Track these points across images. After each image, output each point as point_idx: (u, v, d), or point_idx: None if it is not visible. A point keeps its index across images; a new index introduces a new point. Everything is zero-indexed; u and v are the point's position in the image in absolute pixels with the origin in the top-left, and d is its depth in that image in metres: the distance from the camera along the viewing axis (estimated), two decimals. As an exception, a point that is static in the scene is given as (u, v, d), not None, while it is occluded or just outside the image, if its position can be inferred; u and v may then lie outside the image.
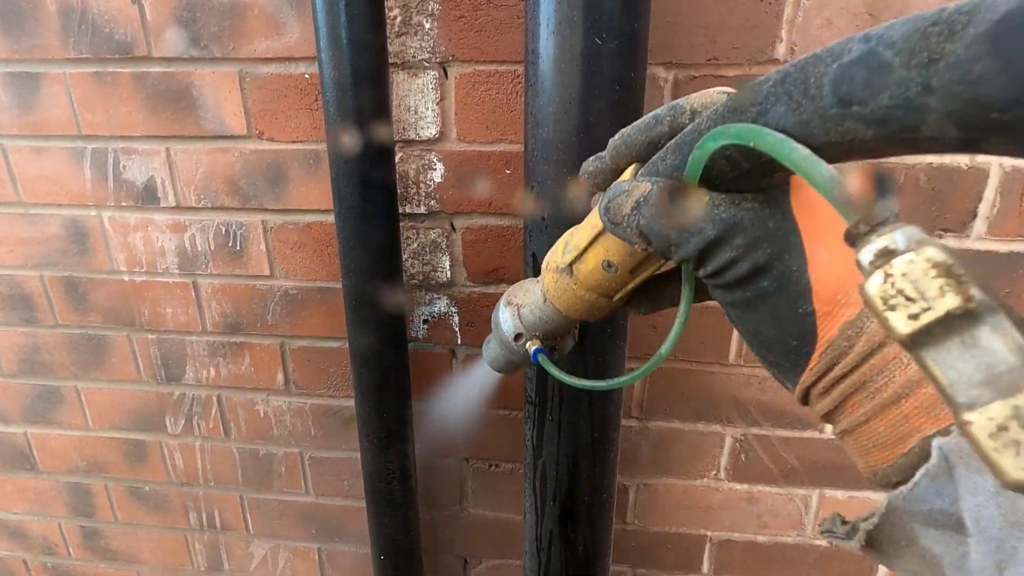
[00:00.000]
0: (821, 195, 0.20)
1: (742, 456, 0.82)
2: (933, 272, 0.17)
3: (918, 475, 0.22)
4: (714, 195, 0.25)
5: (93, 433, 0.96)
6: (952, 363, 0.17)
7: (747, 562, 0.88)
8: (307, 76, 0.70)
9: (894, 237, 0.18)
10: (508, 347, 0.39)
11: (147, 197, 0.78)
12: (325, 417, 0.88)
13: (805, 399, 0.27)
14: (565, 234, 0.36)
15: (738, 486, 0.84)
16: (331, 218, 0.75)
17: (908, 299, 0.17)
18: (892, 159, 0.65)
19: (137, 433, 0.94)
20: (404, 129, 0.70)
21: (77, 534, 1.06)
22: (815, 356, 0.25)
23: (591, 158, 0.33)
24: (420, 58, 0.67)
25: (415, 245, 0.76)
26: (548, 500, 0.69)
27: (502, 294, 0.41)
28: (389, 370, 0.74)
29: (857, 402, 0.24)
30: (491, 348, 0.42)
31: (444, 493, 0.91)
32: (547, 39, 0.51)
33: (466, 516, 0.92)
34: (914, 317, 0.17)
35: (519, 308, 0.39)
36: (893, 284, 0.18)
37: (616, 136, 0.31)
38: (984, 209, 0.66)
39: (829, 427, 0.77)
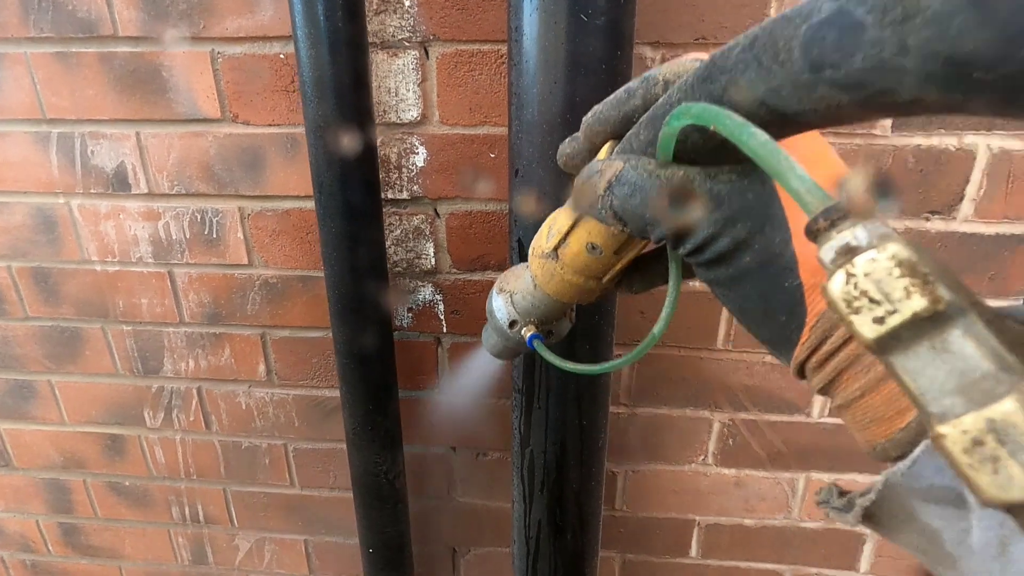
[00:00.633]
0: (780, 185, 0.19)
1: (730, 441, 0.82)
2: (897, 271, 0.16)
3: (917, 451, 0.21)
4: (688, 168, 0.24)
5: (69, 428, 0.93)
6: (922, 370, 0.16)
7: (735, 546, 0.89)
8: (282, 56, 0.67)
9: (855, 233, 0.17)
10: (504, 335, 0.39)
11: (118, 184, 0.75)
12: (309, 408, 0.86)
13: (801, 373, 0.26)
14: (549, 218, 0.35)
15: (726, 471, 0.84)
16: (311, 204, 0.73)
17: (872, 301, 0.16)
18: (881, 140, 0.65)
19: (115, 427, 0.92)
20: (384, 112, 0.68)
21: (56, 531, 1.03)
22: (806, 330, 0.24)
23: (567, 139, 0.31)
24: (400, 37, 0.65)
25: (398, 232, 0.74)
26: (536, 488, 0.69)
27: (488, 281, 0.40)
28: (374, 361, 0.73)
29: (852, 376, 0.24)
30: (488, 335, 0.42)
31: (432, 483, 0.90)
32: (531, 15, 0.49)
33: (454, 505, 0.91)
34: (879, 321, 0.16)
35: (511, 295, 0.38)
36: (856, 285, 0.16)
37: (589, 114, 0.29)
38: (971, 191, 0.66)
39: (818, 408, 0.78)
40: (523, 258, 0.58)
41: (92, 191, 0.75)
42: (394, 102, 0.68)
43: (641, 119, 0.26)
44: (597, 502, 0.72)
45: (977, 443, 0.15)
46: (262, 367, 0.84)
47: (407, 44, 0.65)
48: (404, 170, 0.71)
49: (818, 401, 0.78)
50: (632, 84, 0.28)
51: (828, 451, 0.81)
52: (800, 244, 0.23)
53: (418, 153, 0.70)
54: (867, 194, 0.20)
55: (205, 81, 0.69)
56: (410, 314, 0.79)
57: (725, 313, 0.75)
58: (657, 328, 0.32)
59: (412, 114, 0.68)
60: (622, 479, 0.87)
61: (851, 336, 0.22)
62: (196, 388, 0.87)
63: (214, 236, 0.76)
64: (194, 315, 0.82)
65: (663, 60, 0.64)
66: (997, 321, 0.17)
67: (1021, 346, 0.16)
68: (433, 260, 0.75)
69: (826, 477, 0.83)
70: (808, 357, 0.25)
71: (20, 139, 0.74)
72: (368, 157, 0.65)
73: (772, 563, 0.89)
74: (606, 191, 0.26)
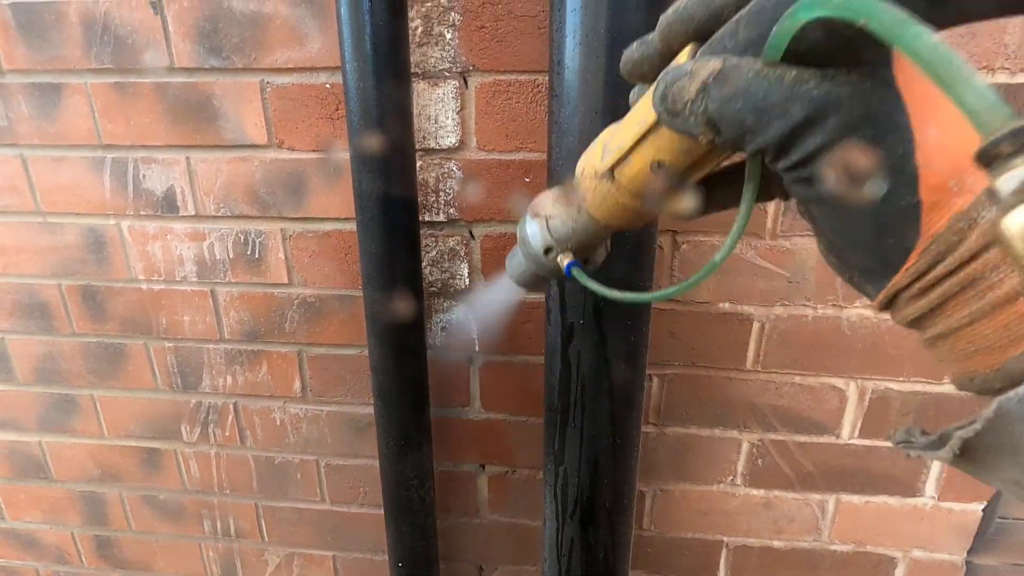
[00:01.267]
0: (951, 100, 0.17)
1: (759, 461, 0.83)
2: None
3: None
4: (801, 70, 0.21)
5: (108, 441, 0.96)
6: None
7: (763, 568, 0.89)
8: (328, 86, 0.70)
9: None
10: (537, 261, 0.36)
11: (166, 206, 0.78)
12: (342, 424, 0.88)
13: (888, 304, 0.24)
14: (602, 134, 0.32)
15: (754, 491, 0.85)
16: (350, 226, 0.76)
17: None
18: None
19: (152, 441, 0.94)
20: (424, 138, 0.71)
21: (91, 543, 1.05)
22: (915, 254, 0.22)
23: (635, 43, 0.28)
24: (441, 68, 0.68)
25: (434, 253, 0.76)
26: (569, 506, 0.70)
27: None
28: (407, 378, 0.75)
29: (961, 302, 0.22)
30: (516, 263, 0.39)
31: (460, 500, 0.91)
32: (573, 51, 0.51)
33: (482, 523, 0.92)
34: None
35: (547, 220, 0.35)
36: None
37: (669, 11, 0.26)
38: None
39: (848, 430, 0.78)
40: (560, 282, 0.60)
41: (142, 213, 0.79)
42: (434, 129, 0.70)
43: (740, 15, 0.23)
44: (629, 521, 0.72)
45: None
46: (297, 383, 0.86)
47: (447, 74, 0.68)
48: (441, 193, 0.73)
49: (848, 422, 0.79)
50: None
51: (858, 472, 0.81)
52: (924, 157, 0.21)
53: (455, 177, 0.72)
54: None
55: (254, 109, 0.72)
56: (443, 333, 0.81)
57: (755, 332, 0.76)
58: (719, 255, 0.29)
59: (451, 140, 0.71)
60: (650, 498, 0.87)
61: (969, 259, 0.21)
62: (232, 404, 0.89)
63: (256, 256, 0.79)
64: (234, 332, 0.84)
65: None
66: None
67: None
68: (467, 280, 0.77)
69: (856, 499, 0.83)
70: (911, 283, 0.23)
71: (76, 163, 0.78)
72: (408, 181, 0.67)
73: (802, 586, 0.89)
74: (699, 94, 0.23)
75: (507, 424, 0.85)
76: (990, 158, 0.16)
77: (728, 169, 0.30)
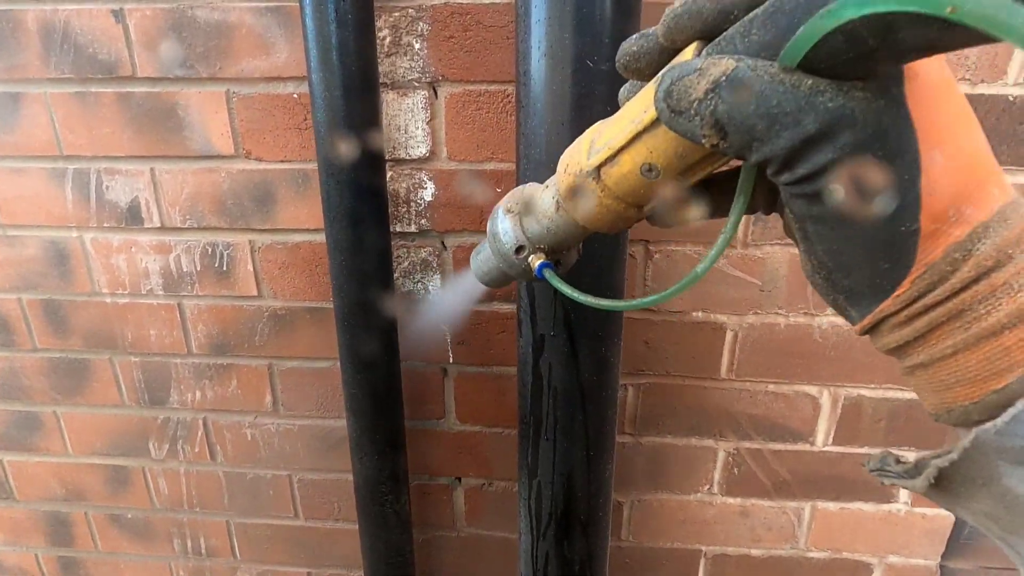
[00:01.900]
0: None
1: (735, 470, 0.83)
2: None
3: (1017, 407, 0.20)
4: (817, 79, 0.20)
5: (73, 459, 0.93)
6: None
7: (742, 576, 0.88)
8: (295, 96, 0.69)
9: None
10: (506, 260, 0.34)
11: (131, 218, 0.76)
12: (315, 438, 0.86)
13: (870, 330, 0.24)
14: (588, 131, 0.30)
15: (731, 500, 0.84)
16: (320, 237, 0.75)
17: None
18: None
19: (119, 459, 0.92)
20: (394, 148, 0.70)
21: (55, 564, 1.02)
22: (907, 281, 0.22)
23: (635, 36, 0.27)
24: (410, 78, 0.67)
25: (406, 264, 0.75)
26: (544, 519, 0.69)
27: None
28: (380, 390, 0.73)
29: (946, 332, 0.22)
30: (483, 260, 0.37)
31: (436, 513, 0.90)
32: (538, 62, 0.51)
33: (459, 536, 0.91)
34: None
35: (521, 217, 0.34)
36: None
37: (676, 4, 0.24)
38: None
39: (821, 437, 0.78)
40: (530, 290, 0.59)
41: (105, 225, 0.77)
42: (404, 139, 0.70)
43: (754, 15, 0.22)
44: (605, 533, 0.72)
45: None
46: (268, 397, 0.85)
47: (417, 84, 0.67)
48: (412, 204, 0.72)
49: (822, 429, 0.79)
50: None
51: (833, 479, 0.81)
52: (928, 183, 0.21)
53: (426, 188, 0.71)
54: None
55: (220, 119, 0.71)
56: (413, 335, 0.79)
57: (728, 341, 0.76)
58: (701, 267, 0.27)
59: (421, 150, 0.70)
60: (628, 509, 0.87)
61: (960, 289, 0.21)
62: (202, 419, 0.87)
63: (224, 268, 0.78)
64: (202, 346, 0.82)
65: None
66: None
67: None
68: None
69: (831, 506, 0.83)
70: (899, 310, 0.23)
71: (36, 175, 0.75)
72: (378, 192, 0.66)
73: (780, 594, 0.89)
74: (708, 94, 0.21)
75: (483, 436, 0.84)
76: None
77: (713, 178, 0.28)
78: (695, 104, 0.22)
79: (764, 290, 0.73)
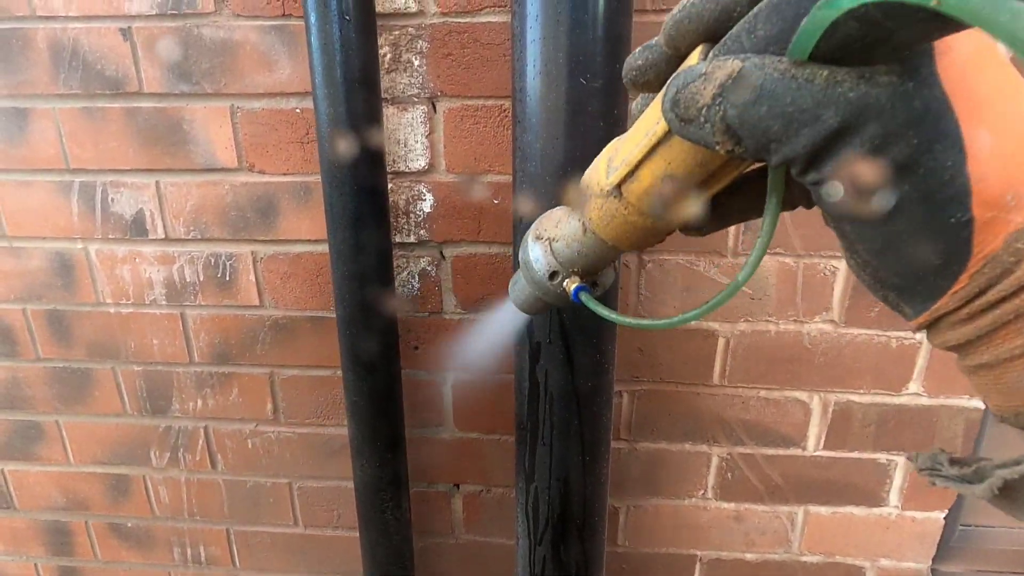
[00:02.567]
0: None
1: (728, 475, 0.84)
2: None
3: None
4: (834, 68, 0.18)
5: (74, 468, 0.94)
6: None
7: (737, 580, 0.90)
8: (298, 111, 0.71)
9: None
10: (541, 287, 0.34)
11: (135, 229, 0.78)
12: (315, 446, 0.88)
13: (929, 327, 0.22)
14: (605, 149, 0.29)
15: (725, 505, 0.86)
16: (322, 248, 0.76)
17: None
18: None
19: (120, 467, 0.93)
20: (394, 161, 0.72)
21: (55, 574, 1.02)
22: (965, 276, 0.20)
23: (639, 49, 0.25)
24: (409, 93, 0.69)
25: (405, 274, 0.77)
26: (541, 524, 0.70)
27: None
28: (381, 399, 0.75)
29: (1014, 331, 0.20)
30: (519, 289, 0.36)
31: (435, 520, 0.91)
32: (534, 79, 0.53)
33: (457, 543, 0.92)
34: None
35: (551, 242, 0.33)
36: None
37: (676, 9, 0.23)
38: None
39: (813, 442, 0.80)
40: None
41: (110, 236, 0.78)
42: (403, 152, 0.72)
43: (757, 9, 0.20)
44: (601, 538, 0.73)
45: None
46: (269, 406, 0.86)
47: (416, 100, 0.70)
48: (412, 215, 0.74)
49: (813, 434, 0.81)
50: None
51: (824, 484, 0.83)
52: (976, 168, 0.18)
53: (425, 199, 0.73)
54: None
55: (224, 133, 0.73)
56: (416, 352, 0.81)
57: (720, 348, 0.78)
58: (742, 275, 0.26)
59: (420, 163, 0.72)
60: (624, 514, 0.88)
61: None
62: (203, 427, 0.88)
63: (227, 279, 0.79)
64: (204, 355, 0.84)
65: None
66: None
67: None
68: (441, 302, 0.78)
69: (823, 510, 0.84)
70: (958, 307, 0.21)
71: (43, 187, 0.77)
72: (380, 204, 0.68)
73: (774, 598, 0.90)
74: (716, 99, 0.20)
75: (481, 443, 0.85)
76: None
77: (745, 177, 0.27)
78: (703, 111, 0.21)
79: (755, 298, 0.75)
